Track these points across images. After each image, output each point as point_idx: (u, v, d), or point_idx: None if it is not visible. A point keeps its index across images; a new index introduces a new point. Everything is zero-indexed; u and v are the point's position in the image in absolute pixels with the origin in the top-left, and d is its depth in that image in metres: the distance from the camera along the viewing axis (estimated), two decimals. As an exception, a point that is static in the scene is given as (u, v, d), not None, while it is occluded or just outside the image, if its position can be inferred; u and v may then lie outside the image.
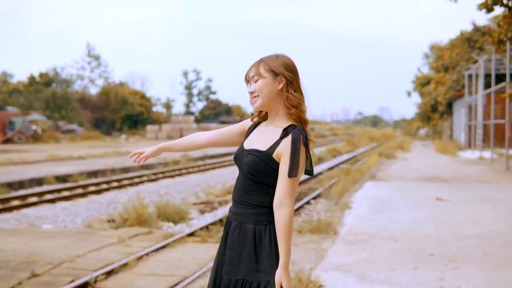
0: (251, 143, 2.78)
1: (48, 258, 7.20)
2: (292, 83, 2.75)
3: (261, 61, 2.78)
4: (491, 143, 22.72)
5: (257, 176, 2.69)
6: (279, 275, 2.61)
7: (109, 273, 6.64)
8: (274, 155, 2.66)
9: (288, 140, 2.64)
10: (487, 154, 25.95)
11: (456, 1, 15.94)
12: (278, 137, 2.69)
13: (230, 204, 12.60)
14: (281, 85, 2.73)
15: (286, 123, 2.73)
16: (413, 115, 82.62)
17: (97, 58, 69.03)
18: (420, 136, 64.83)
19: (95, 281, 6.30)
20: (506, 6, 15.69)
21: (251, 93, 2.77)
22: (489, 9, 15.86)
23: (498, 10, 18.75)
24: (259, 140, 2.75)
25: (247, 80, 2.81)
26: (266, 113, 2.84)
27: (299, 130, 2.65)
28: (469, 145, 33.42)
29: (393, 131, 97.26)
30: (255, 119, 2.90)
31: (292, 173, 2.62)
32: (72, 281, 6.26)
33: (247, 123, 2.95)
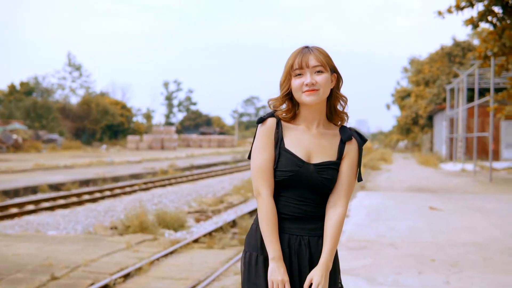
0: (309, 154, 2.47)
1: (64, 262, 7.36)
2: (339, 82, 2.53)
3: (318, 52, 2.43)
4: (474, 156, 23.26)
5: (332, 188, 2.49)
6: (316, 272, 2.41)
7: (126, 277, 6.83)
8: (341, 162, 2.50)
9: (354, 143, 2.50)
10: (469, 166, 26.50)
11: (443, 17, 16.54)
12: (338, 142, 2.50)
13: (225, 213, 12.66)
14: (333, 84, 2.48)
15: (331, 124, 2.55)
16: (391, 127, 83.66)
17: (78, 68, 68.95)
18: (400, 148, 65.67)
19: (114, 284, 6.49)
20: (491, 22, 16.31)
21: (312, 84, 2.38)
22: (475, 26, 16.47)
23: (481, 26, 19.34)
24: (318, 148, 2.48)
25: (300, 68, 2.41)
26: (294, 113, 2.50)
27: (358, 133, 2.54)
28: (451, 157, 34.03)
29: (371, 143, 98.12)
30: (283, 115, 2.50)
31: (360, 177, 2.54)
32: (92, 283, 6.44)
33: (269, 130, 2.47)
